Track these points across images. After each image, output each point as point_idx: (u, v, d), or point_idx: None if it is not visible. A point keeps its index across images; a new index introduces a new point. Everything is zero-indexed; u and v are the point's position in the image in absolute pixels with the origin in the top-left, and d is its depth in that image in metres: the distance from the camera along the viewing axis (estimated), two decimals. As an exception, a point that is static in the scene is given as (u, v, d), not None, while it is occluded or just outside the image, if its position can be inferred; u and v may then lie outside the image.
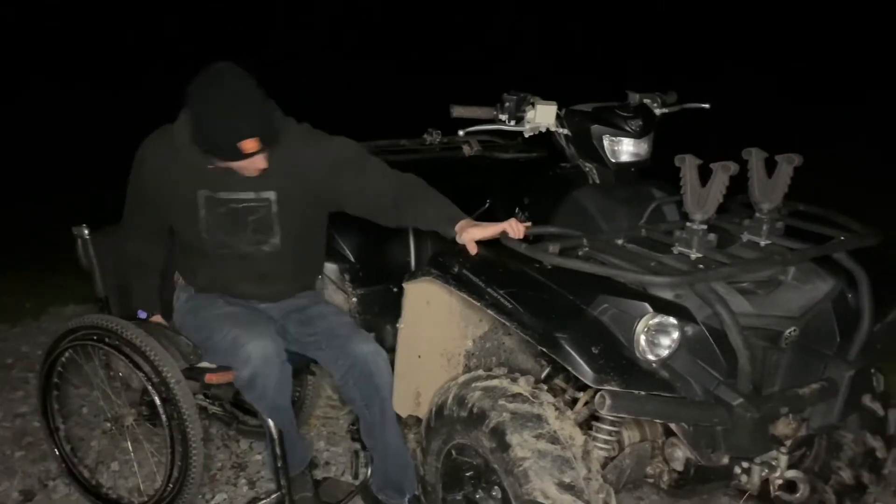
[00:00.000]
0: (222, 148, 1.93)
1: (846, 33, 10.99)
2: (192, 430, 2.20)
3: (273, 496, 2.29)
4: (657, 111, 2.24)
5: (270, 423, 2.20)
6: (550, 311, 1.74)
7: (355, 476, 2.52)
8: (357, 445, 2.44)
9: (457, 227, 1.94)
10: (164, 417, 2.21)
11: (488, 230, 1.91)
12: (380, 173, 2.09)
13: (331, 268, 2.60)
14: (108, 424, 2.52)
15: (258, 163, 1.99)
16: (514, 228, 1.89)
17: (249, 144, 1.92)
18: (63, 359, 2.45)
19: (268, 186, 2.07)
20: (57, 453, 2.57)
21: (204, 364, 2.28)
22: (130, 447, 2.56)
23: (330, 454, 2.81)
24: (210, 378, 2.25)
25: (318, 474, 2.63)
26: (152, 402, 2.23)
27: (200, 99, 1.91)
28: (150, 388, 2.21)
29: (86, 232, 2.40)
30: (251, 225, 2.11)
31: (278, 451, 2.21)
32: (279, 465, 2.23)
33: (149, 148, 2.14)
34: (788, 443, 1.89)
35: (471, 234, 1.91)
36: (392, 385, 2.18)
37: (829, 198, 2.22)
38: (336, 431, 2.92)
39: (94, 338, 2.32)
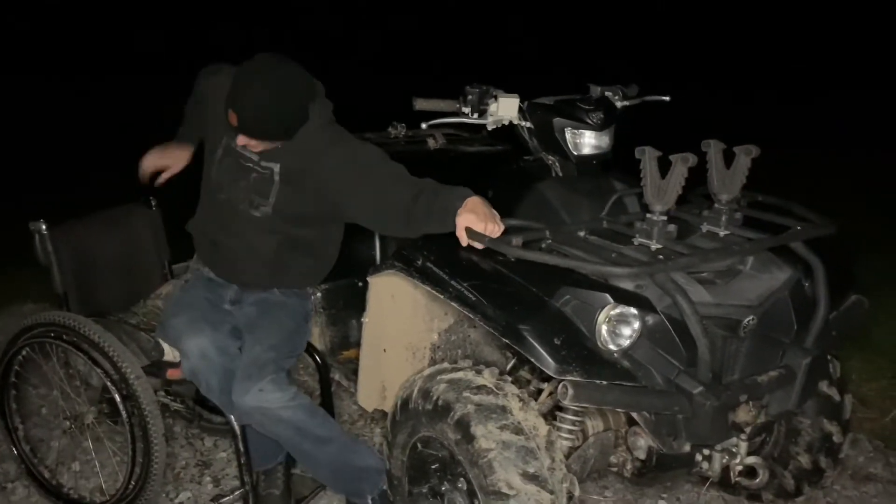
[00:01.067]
0: (225, 116, 2.00)
1: (816, 31, 11.21)
2: (154, 427, 2.18)
3: (237, 492, 2.28)
4: (618, 104, 2.26)
5: (233, 418, 2.17)
6: (513, 303, 1.75)
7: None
8: None
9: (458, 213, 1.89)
10: (124, 415, 2.18)
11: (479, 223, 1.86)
12: (391, 182, 2.01)
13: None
14: (68, 423, 2.48)
15: (251, 146, 2.05)
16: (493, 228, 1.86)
17: (241, 138, 2.02)
18: (20, 357, 2.41)
19: (274, 159, 2.11)
20: (16, 453, 2.52)
21: (166, 359, 2.25)
22: (91, 446, 2.52)
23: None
24: (172, 374, 2.23)
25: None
26: (113, 399, 2.20)
27: (245, 72, 1.98)
28: (109, 385, 2.18)
29: (43, 227, 2.35)
30: (252, 182, 2.13)
31: (241, 447, 2.19)
32: (242, 461, 2.21)
33: (213, 78, 2.22)
34: (748, 430, 1.92)
35: (461, 223, 1.86)
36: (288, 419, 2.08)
37: (789, 191, 2.26)
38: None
39: (52, 335, 2.28)
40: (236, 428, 2.18)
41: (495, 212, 1.88)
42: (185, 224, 2.37)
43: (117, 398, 2.17)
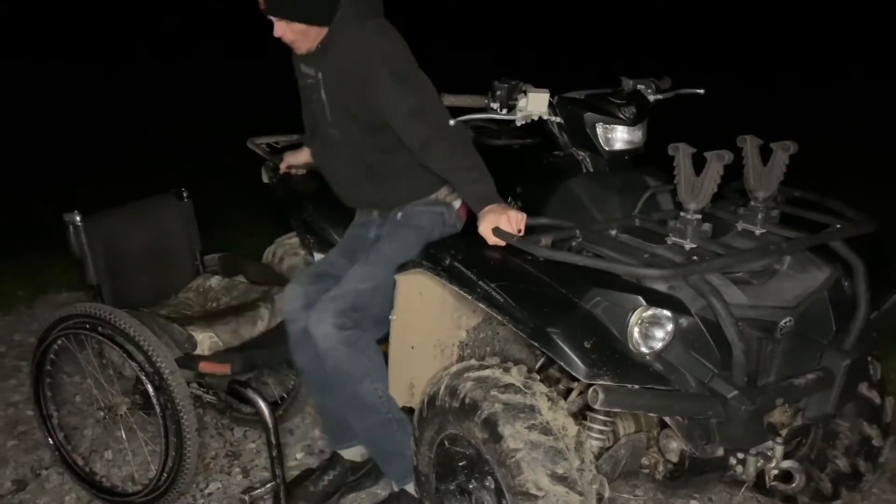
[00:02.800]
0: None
1: (841, 17, 10.89)
2: (186, 419, 2.21)
3: (268, 485, 2.30)
4: (651, 97, 2.20)
5: (266, 411, 2.20)
6: (542, 304, 1.72)
7: None
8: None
9: (480, 214, 1.90)
10: (157, 407, 2.21)
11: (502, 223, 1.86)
12: (408, 112, 1.98)
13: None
14: (102, 413, 2.52)
15: (286, 37, 2.06)
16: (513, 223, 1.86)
17: (275, 27, 2.04)
18: (55, 346, 2.45)
19: (318, 66, 2.14)
20: (50, 442, 2.58)
21: (198, 352, 2.27)
22: (124, 436, 2.56)
23: (326, 441, 2.80)
24: (203, 367, 2.26)
25: (313, 462, 2.64)
26: (146, 390, 2.23)
27: None
28: (143, 377, 2.21)
29: (77, 219, 2.38)
30: (315, 104, 2.18)
31: (273, 439, 2.21)
32: (274, 453, 2.23)
33: None
34: (784, 433, 1.89)
35: (485, 228, 1.87)
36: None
37: (828, 185, 2.19)
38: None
39: (87, 326, 2.31)
40: (268, 419, 2.20)
41: (521, 213, 1.87)
42: (214, 216, 2.41)
43: (150, 390, 2.20)
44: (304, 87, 2.24)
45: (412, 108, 1.98)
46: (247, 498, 2.28)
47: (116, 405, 2.50)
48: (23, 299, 3.97)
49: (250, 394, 2.28)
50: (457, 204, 2.27)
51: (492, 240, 1.86)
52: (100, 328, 2.28)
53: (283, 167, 2.69)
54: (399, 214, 2.26)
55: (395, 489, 2.29)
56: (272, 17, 2.03)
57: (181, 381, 2.21)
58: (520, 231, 1.85)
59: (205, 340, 2.29)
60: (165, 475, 2.30)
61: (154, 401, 2.21)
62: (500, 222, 1.84)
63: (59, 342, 2.43)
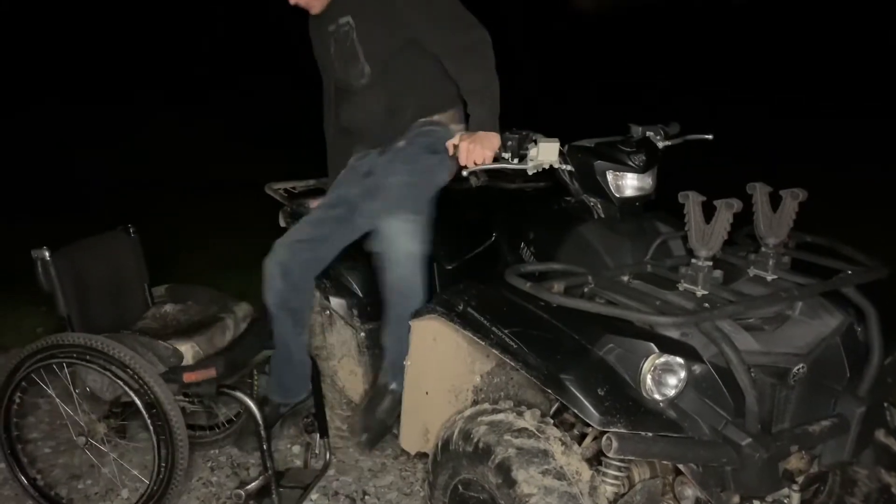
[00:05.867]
0: None
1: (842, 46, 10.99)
2: (178, 429, 2.31)
3: (260, 478, 2.41)
4: (660, 144, 2.23)
5: (255, 411, 2.34)
6: (555, 351, 1.74)
7: (306, 466, 2.82)
8: (308, 438, 2.79)
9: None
10: (148, 421, 2.31)
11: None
12: (432, 33, 2.21)
13: (338, 303, 2.61)
14: (83, 438, 2.55)
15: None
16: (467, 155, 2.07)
17: None
18: (23, 384, 2.49)
19: (343, 13, 2.29)
20: (24, 480, 2.60)
21: (184, 363, 2.40)
22: (111, 455, 2.63)
23: (339, 483, 2.80)
24: (189, 377, 2.37)
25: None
26: (122, 412, 2.40)
27: None
28: (132, 394, 2.30)
29: (46, 254, 2.44)
30: (345, 53, 2.31)
31: (263, 434, 2.35)
32: (264, 447, 2.35)
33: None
34: (800, 480, 1.87)
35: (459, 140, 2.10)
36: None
37: (840, 222, 2.21)
38: (345, 460, 2.92)
39: (62, 355, 2.39)
40: (257, 415, 2.35)
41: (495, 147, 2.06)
42: (155, 250, 2.61)
43: (140, 405, 2.29)
44: (329, 45, 2.36)
45: (449, 15, 2.22)
46: (242, 493, 2.36)
47: (95, 429, 2.56)
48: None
49: (238, 394, 2.42)
50: (455, 129, 2.37)
51: (451, 149, 2.08)
52: (75, 354, 2.36)
53: (312, 206, 2.72)
54: (402, 142, 2.38)
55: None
56: None
57: (169, 394, 2.31)
58: (479, 163, 2.06)
59: (188, 351, 2.43)
60: (156, 486, 2.37)
61: (145, 415, 2.30)
62: (470, 145, 2.05)
63: (32, 376, 2.47)
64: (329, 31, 2.35)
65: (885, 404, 2.01)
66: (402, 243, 2.20)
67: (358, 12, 2.27)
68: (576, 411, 1.66)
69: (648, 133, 2.23)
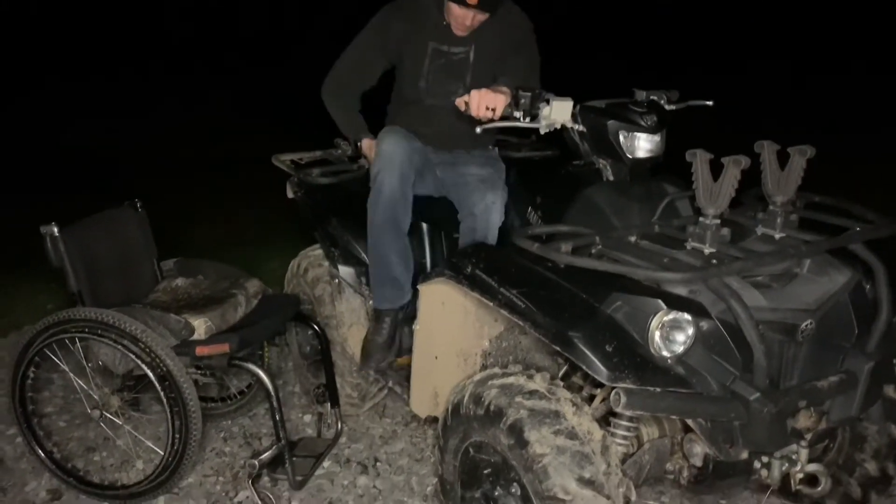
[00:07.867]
0: (435, 17, 2.43)
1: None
2: (191, 400, 2.34)
3: (273, 448, 2.44)
4: (666, 107, 2.23)
5: (267, 380, 2.38)
6: (563, 309, 1.75)
7: (318, 435, 2.87)
8: (320, 408, 2.86)
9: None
10: (161, 393, 2.34)
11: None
12: (522, 73, 2.40)
13: (347, 271, 2.63)
14: (98, 412, 2.59)
15: (467, 24, 2.39)
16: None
17: (463, 15, 2.37)
18: (37, 359, 2.52)
19: (467, 43, 2.47)
20: (40, 452, 2.63)
21: (194, 337, 2.42)
22: (126, 427, 2.66)
23: (351, 451, 2.84)
24: (201, 350, 2.39)
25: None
26: (135, 385, 2.41)
27: None
28: (145, 368, 2.32)
29: (55, 229, 2.46)
30: (450, 73, 2.49)
31: (276, 404, 2.38)
32: (277, 417, 2.39)
33: (395, 13, 2.54)
34: (808, 436, 1.88)
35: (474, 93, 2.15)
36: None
37: (848, 186, 2.20)
38: (356, 428, 2.95)
39: (85, 330, 2.40)
40: (270, 387, 2.37)
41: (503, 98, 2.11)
42: (164, 225, 2.58)
43: (153, 378, 2.32)
44: (424, 58, 2.51)
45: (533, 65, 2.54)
46: (256, 462, 2.40)
47: (109, 403, 2.60)
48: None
49: (251, 367, 2.43)
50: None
51: (461, 103, 2.14)
52: (87, 329, 2.38)
53: (365, 148, 2.72)
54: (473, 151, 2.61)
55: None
56: (476, 11, 2.35)
57: (181, 367, 2.34)
58: (493, 109, 2.10)
59: (200, 325, 2.45)
60: (171, 458, 2.41)
61: (158, 388, 2.32)
62: (482, 93, 2.11)
63: (45, 351, 2.49)
64: (440, 50, 2.49)
65: (894, 360, 2.01)
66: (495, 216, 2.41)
67: (485, 52, 2.48)
68: (585, 368, 1.67)
69: (652, 97, 2.22)
